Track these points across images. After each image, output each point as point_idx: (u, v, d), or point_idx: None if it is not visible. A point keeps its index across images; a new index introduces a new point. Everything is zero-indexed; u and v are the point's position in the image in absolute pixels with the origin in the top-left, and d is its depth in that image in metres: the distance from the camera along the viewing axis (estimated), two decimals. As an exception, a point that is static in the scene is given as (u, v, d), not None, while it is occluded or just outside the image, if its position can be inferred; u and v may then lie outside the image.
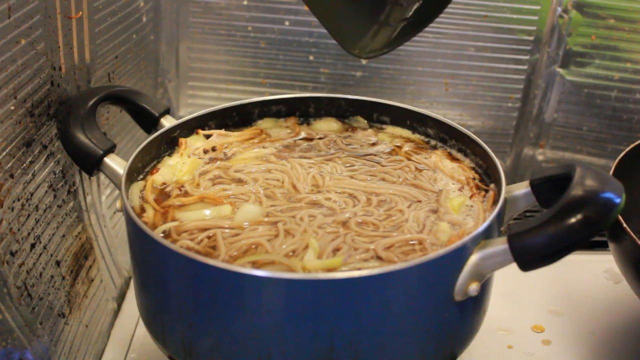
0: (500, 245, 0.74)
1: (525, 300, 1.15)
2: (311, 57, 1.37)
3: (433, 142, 1.03)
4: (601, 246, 1.20)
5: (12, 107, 0.81)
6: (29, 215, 0.86)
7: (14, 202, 0.82)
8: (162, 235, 0.82)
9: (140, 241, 0.80)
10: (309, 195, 0.89)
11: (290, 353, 0.74)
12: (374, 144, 1.03)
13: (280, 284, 0.71)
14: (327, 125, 1.07)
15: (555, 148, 1.44)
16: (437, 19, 0.97)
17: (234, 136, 1.02)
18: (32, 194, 0.87)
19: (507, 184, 0.85)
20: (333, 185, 0.91)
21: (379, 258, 0.78)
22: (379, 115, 1.08)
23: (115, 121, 1.13)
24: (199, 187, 0.91)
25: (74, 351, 0.96)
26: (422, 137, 1.04)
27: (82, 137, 0.90)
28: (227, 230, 0.82)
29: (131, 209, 0.80)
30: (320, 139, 1.04)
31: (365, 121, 1.08)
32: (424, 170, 0.96)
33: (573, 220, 0.70)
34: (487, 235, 0.77)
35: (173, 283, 0.77)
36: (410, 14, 0.98)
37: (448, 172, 0.95)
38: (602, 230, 0.72)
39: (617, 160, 1.05)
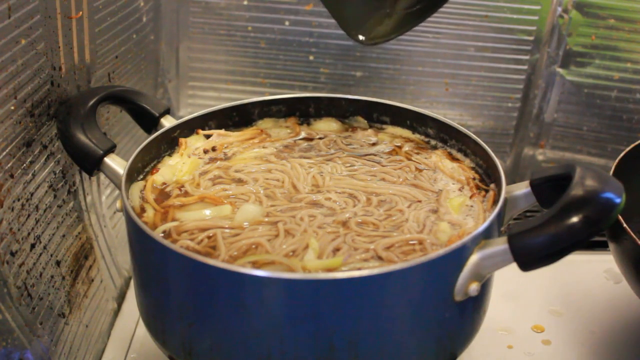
0: (500, 245, 0.74)
1: (525, 300, 1.15)
2: (311, 57, 1.37)
3: (433, 142, 1.03)
4: (601, 246, 1.20)
5: (12, 107, 0.81)
6: (29, 215, 0.86)
7: (14, 202, 0.82)
8: (162, 235, 0.82)
9: (140, 241, 0.80)
10: (309, 195, 0.89)
11: (290, 353, 0.74)
12: (374, 144, 1.03)
13: (280, 284, 0.71)
14: (327, 125, 1.07)
15: (555, 148, 1.44)
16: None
17: (234, 136, 1.02)
18: (32, 194, 0.87)
19: (507, 184, 0.85)
20: (333, 185, 0.91)
21: (379, 258, 0.78)
22: (379, 115, 1.08)
23: (115, 121, 1.13)
24: (199, 187, 0.91)
25: (74, 351, 0.96)
26: (422, 137, 1.04)
27: (82, 137, 0.90)
28: (227, 230, 0.82)
29: (131, 209, 0.80)
30: (320, 139, 1.04)
31: (365, 121, 1.08)
32: (424, 170, 0.96)
33: (573, 220, 0.70)
34: (487, 235, 0.77)
35: (173, 283, 0.77)
36: (416, 1, 0.97)
37: (448, 172, 0.95)
38: (602, 230, 0.72)
39: (617, 160, 1.05)
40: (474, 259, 0.75)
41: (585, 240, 0.70)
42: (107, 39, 1.08)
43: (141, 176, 0.93)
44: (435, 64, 1.37)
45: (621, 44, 1.32)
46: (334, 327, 0.72)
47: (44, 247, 0.90)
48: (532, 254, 0.72)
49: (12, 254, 0.81)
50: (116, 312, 1.11)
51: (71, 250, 0.98)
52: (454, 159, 0.99)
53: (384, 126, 1.07)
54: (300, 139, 1.04)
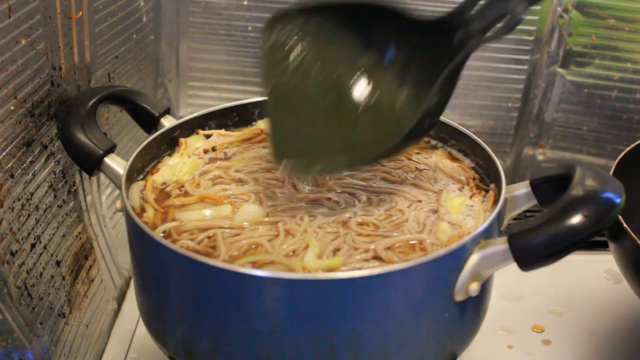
0: (500, 245, 0.74)
1: (525, 300, 1.15)
2: (311, 57, 1.37)
3: (433, 142, 1.03)
4: (601, 246, 1.20)
5: (12, 107, 0.81)
6: (29, 215, 0.86)
7: (14, 202, 0.82)
8: (162, 235, 0.82)
9: (140, 241, 0.80)
10: (309, 195, 0.89)
11: (290, 353, 0.74)
12: (374, 144, 1.03)
13: (280, 284, 0.71)
14: (327, 125, 1.07)
15: (556, 148, 1.44)
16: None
17: (234, 136, 1.02)
18: (32, 194, 0.87)
19: (507, 184, 0.85)
20: (333, 184, 0.91)
21: (379, 258, 0.78)
22: (379, 115, 1.08)
23: (115, 121, 1.13)
24: (199, 187, 0.91)
25: (74, 351, 0.96)
26: (422, 137, 1.04)
27: (82, 137, 0.91)
28: (227, 230, 0.82)
29: (131, 209, 0.80)
30: (320, 139, 1.04)
31: (366, 121, 1.08)
32: (424, 170, 0.96)
33: (573, 220, 0.70)
34: (487, 235, 0.77)
35: (173, 283, 0.77)
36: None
37: (448, 172, 0.95)
38: (602, 230, 0.72)
39: (617, 160, 1.05)
40: (474, 259, 0.75)
41: (585, 240, 0.70)
42: (107, 39, 1.08)
43: (141, 176, 0.93)
44: (435, 64, 1.37)
45: (621, 44, 1.32)
46: (334, 327, 0.72)
47: (44, 247, 0.90)
48: (532, 254, 0.72)
49: (12, 254, 0.81)
50: (116, 312, 1.11)
51: (71, 250, 0.98)
52: (454, 159, 0.99)
53: (384, 126, 1.07)
54: (300, 139, 1.04)
